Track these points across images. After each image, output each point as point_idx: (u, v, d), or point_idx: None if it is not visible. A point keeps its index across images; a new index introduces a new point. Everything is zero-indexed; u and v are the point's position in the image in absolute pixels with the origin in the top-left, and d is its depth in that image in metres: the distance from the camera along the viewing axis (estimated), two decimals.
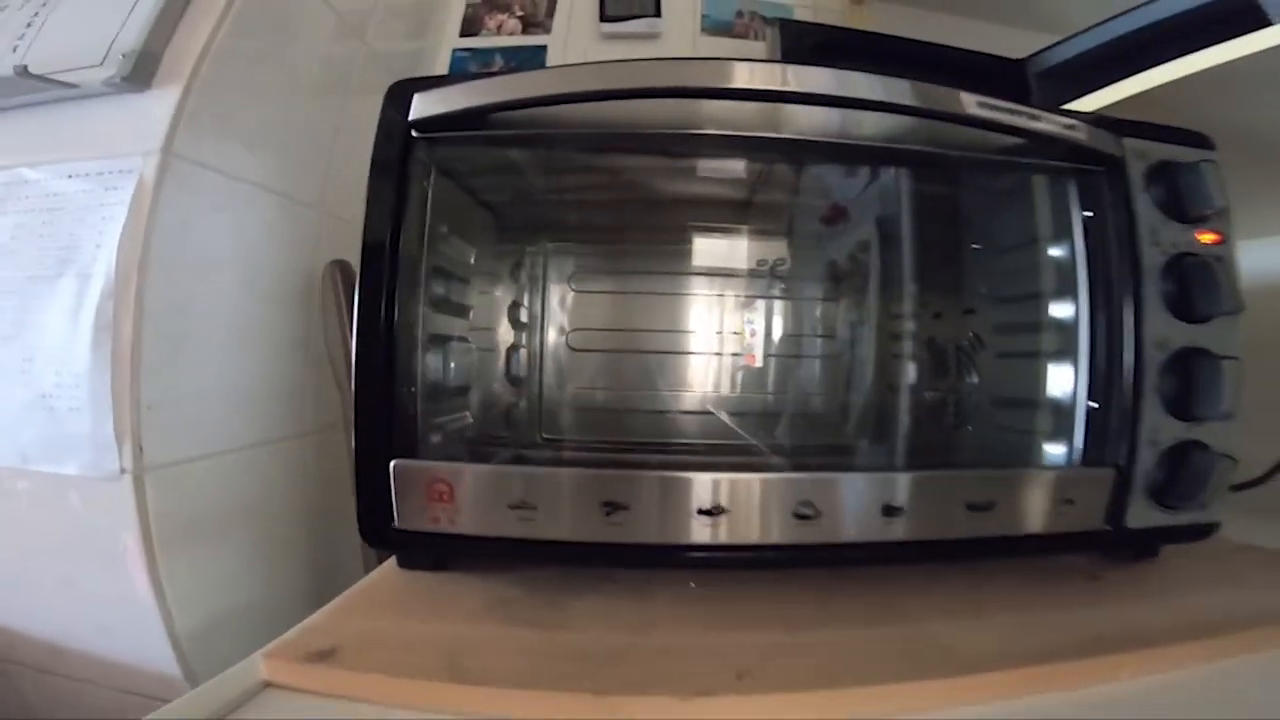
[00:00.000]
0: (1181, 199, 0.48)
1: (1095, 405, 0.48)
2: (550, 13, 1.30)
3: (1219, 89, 0.57)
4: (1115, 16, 0.76)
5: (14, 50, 0.71)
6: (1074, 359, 0.49)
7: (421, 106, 0.46)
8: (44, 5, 0.74)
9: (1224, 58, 0.54)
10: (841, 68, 0.60)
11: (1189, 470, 0.46)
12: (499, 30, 1.29)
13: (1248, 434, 0.48)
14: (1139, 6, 0.73)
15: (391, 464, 0.43)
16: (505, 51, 1.27)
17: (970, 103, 0.43)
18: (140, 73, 0.66)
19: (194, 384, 0.68)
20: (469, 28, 1.31)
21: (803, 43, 1.04)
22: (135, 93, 0.67)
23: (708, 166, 0.71)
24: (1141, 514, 0.48)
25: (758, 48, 1.20)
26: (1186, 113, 0.56)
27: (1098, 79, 0.65)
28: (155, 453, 0.62)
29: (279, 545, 0.79)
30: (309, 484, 0.82)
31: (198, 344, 0.69)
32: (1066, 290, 0.51)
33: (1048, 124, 0.45)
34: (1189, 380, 0.46)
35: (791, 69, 0.44)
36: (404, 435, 0.45)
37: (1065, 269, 0.51)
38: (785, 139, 0.50)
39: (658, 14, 1.26)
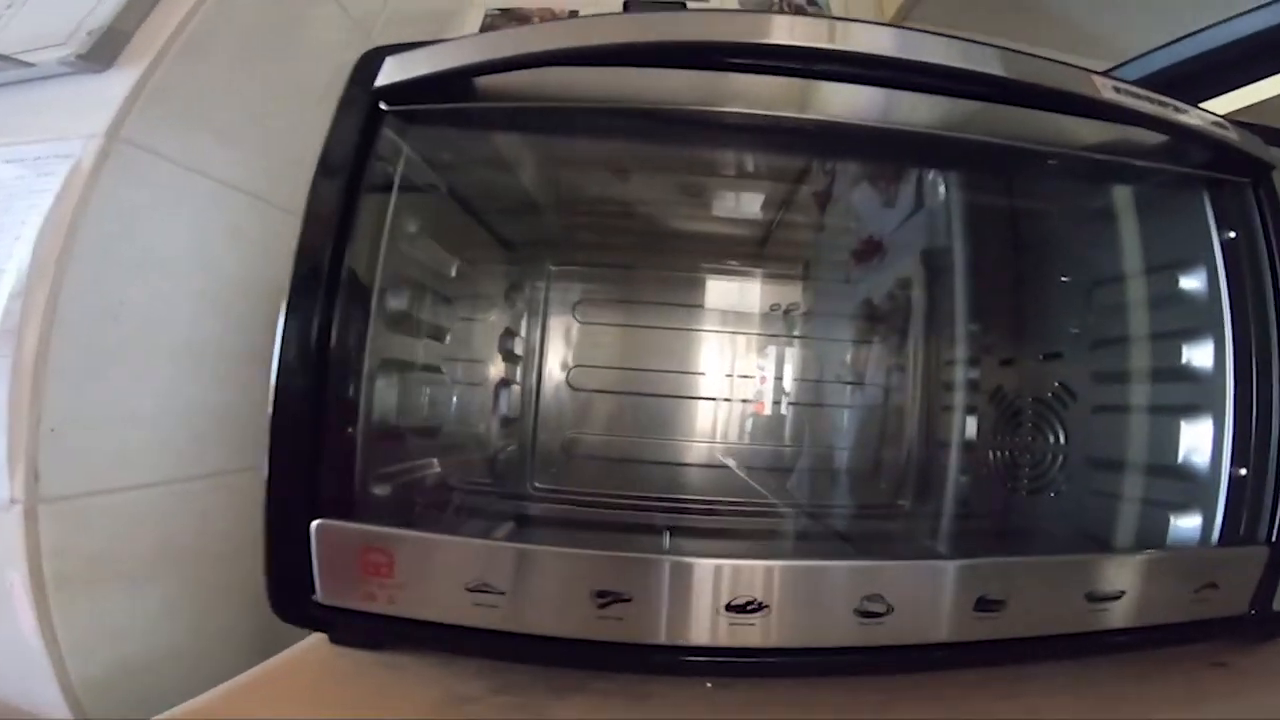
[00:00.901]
0: None
1: (1242, 472, 0.37)
2: None
3: None
4: (1183, 37, 0.69)
5: None
6: (1212, 414, 0.40)
7: (393, 70, 0.37)
8: None
9: None
10: None
11: None
12: None
13: None
14: (1198, 31, 0.66)
15: (313, 525, 0.33)
16: None
17: (1103, 86, 0.33)
18: (101, 51, 0.60)
19: (120, 405, 0.58)
20: None
21: None
22: (94, 73, 0.60)
23: (732, 184, 0.63)
24: None
25: None
26: None
27: None
28: (56, 482, 0.52)
29: (215, 590, 0.69)
30: (257, 524, 0.72)
31: (130, 358, 0.59)
32: (1199, 329, 0.41)
33: (1192, 118, 0.35)
34: None
35: (843, 26, 0.35)
36: (335, 487, 0.35)
37: (1198, 303, 0.41)
38: (823, 122, 0.40)
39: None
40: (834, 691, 0.37)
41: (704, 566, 0.33)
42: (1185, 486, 0.43)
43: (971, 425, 0.64)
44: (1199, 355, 0.42)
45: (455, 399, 0.57)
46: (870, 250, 0.72)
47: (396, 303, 0.42)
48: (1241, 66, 0.55)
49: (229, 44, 0.68)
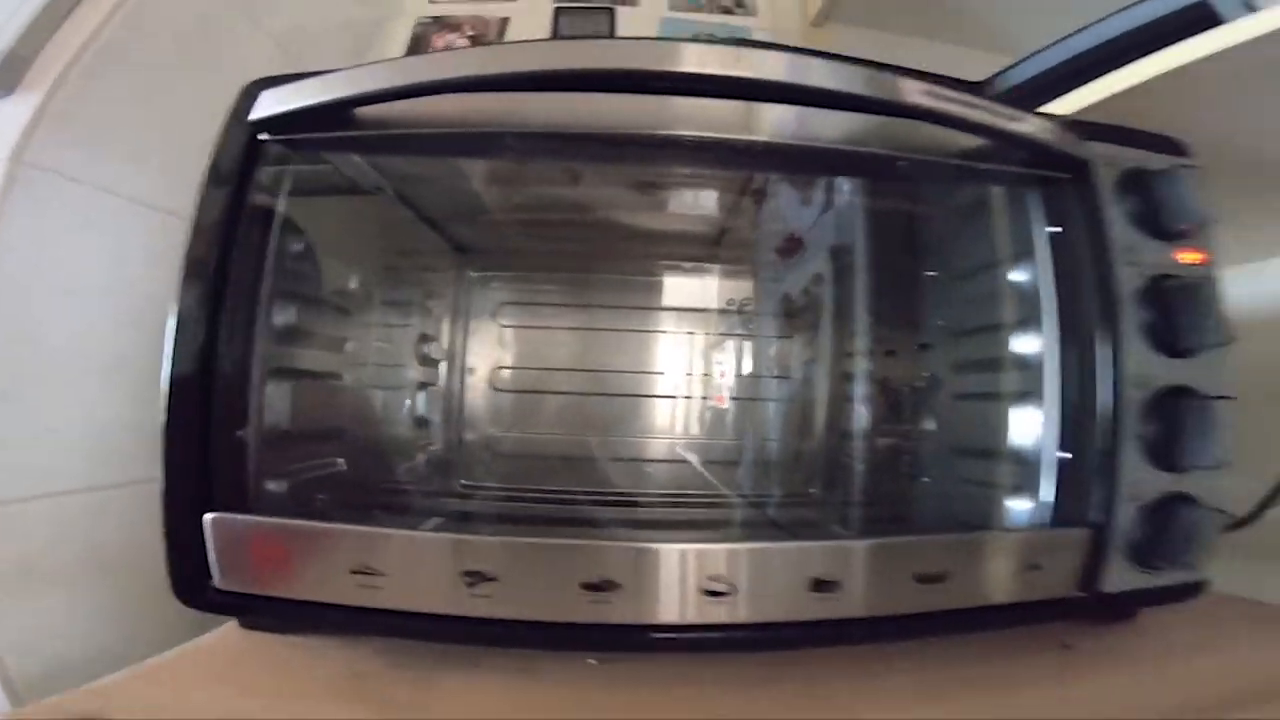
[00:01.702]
0: (1159, 212, 0.43)
1: (1068, 456, 0.42)
2: (501, 34, 1.29)
3: (1177, 96, 0.52)
4: (1074, 34, 0.75)
5: None
6: (1041, 402, 0.43)
7: (268, 104, 0.41)
8: None
9: (1180, 60, 0.49)
10: None
11: (1175, 528, 0.40)
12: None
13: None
14: (1097, 22, 0.72)
15: (206, 518, 0.36)
16: None
17: (913, 90, 0.37)
18: (4, 77, 0.63)
19: (41, 421, 0.61)
20: (416, 46, 1.29)
21: None
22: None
23: (636, 194, 0.67)
24: (1120, 577, 0.42)
25: None
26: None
27: (1056, 97, 0.63)
28: None
29: (145, 593, 0.70)
30: None
31: (50, 378, 0.62)
32: (1031, 321, 0.45)
33: (1000, 119, 0.40)
34: (1174, 425, 0.40)
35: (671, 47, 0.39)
36: (228, 486, 0.38)
37: (1029, 296, 0.45)
38: (694, 138, 0.44)
39: (611, 37, 1.23)
40: (699, 672, 0.42)
41: (565, 546, 0.36)
42: (1021, 470, 0.46)
43: (865, 415, 0.68)
44: (1028, 344, 0.46)
45: (364, 403, 0.60)
46: (792, 247, 0.76)
47: (284, 317, 0.45)
48: (1108, 63, 0.59)
49: (138, 63, 0.70)
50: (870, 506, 0.65)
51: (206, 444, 0.37)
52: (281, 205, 0.41)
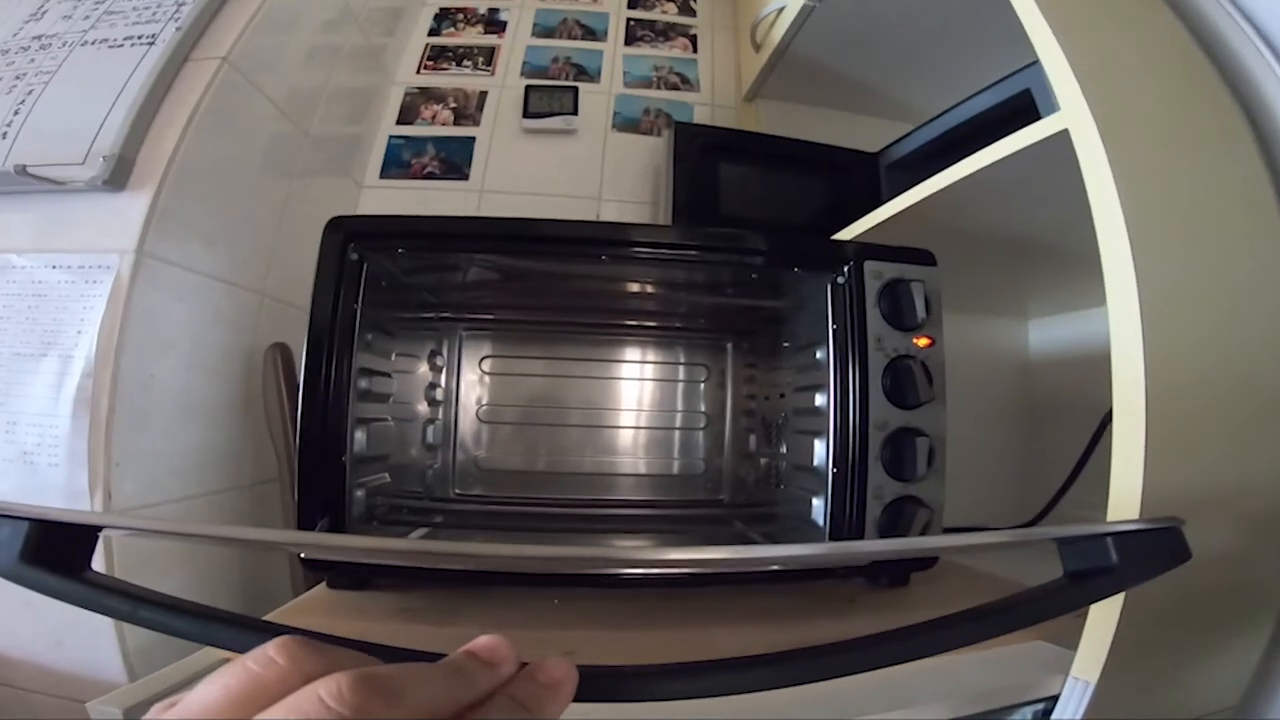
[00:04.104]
0: (900, 312, 0.67)
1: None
2: (480, 106, 1.53)
3: (987, 191, 0.72)
4: (941, 114, 0.91)
5: (3, 136, 0.87)
6: (826, 437, 0.70)
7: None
8: (30, 93, 0.89)
9: (981, 164, 0.67)
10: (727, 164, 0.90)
11: (903, 518, 0.67)
12: (433, 120, 1.52)
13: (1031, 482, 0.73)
14: (958, 105, 0.87)
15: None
16: (437, 140, 1.49)
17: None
18: (118, 176, 0.83)
19: (153, 445, 0.85)
20: (406, 115, 1.53)
21: (694, 144, 1.27)
22: (112, 193, 0.83)
23: (596, 281, 0.93)
24: None
25: (659, 144, 1.46)
26: (971, 213, 0.77)
27: (931, 170, 0.76)
28: (120, 500, 0.79)
29: (216, 580, 0.96)
30: None
31: (156, 412, 0.86)
32: (824, 384, 0.71)
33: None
34: (900, 451, 0.68)
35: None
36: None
37: (824, 367, 0.71)
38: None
39: (575, 112, 1.50)
40: (617, 605, 0.69)
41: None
42: (816, 479, 0.74)
43: (753, 441, 0.98)
44: (821, 399, 0.73)
45: (398, 435, 0.86)
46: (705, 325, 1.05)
47: (364, 383, 0.72)
48: (980, 137, 0.71)
49: (204, 160, 0.90)
50: (757, 508, 0.94)
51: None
52: (358, 303, 0.66)
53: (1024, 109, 0.73)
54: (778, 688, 0.30)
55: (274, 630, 0.26)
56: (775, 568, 0.67)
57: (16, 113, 0.89)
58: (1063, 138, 0.57)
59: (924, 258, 0.73)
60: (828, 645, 0.31)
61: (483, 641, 0.27)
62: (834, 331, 0.70)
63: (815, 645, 0.30)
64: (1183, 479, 0.50)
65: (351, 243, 0.66)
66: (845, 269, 0.70)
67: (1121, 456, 0.50)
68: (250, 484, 1.01)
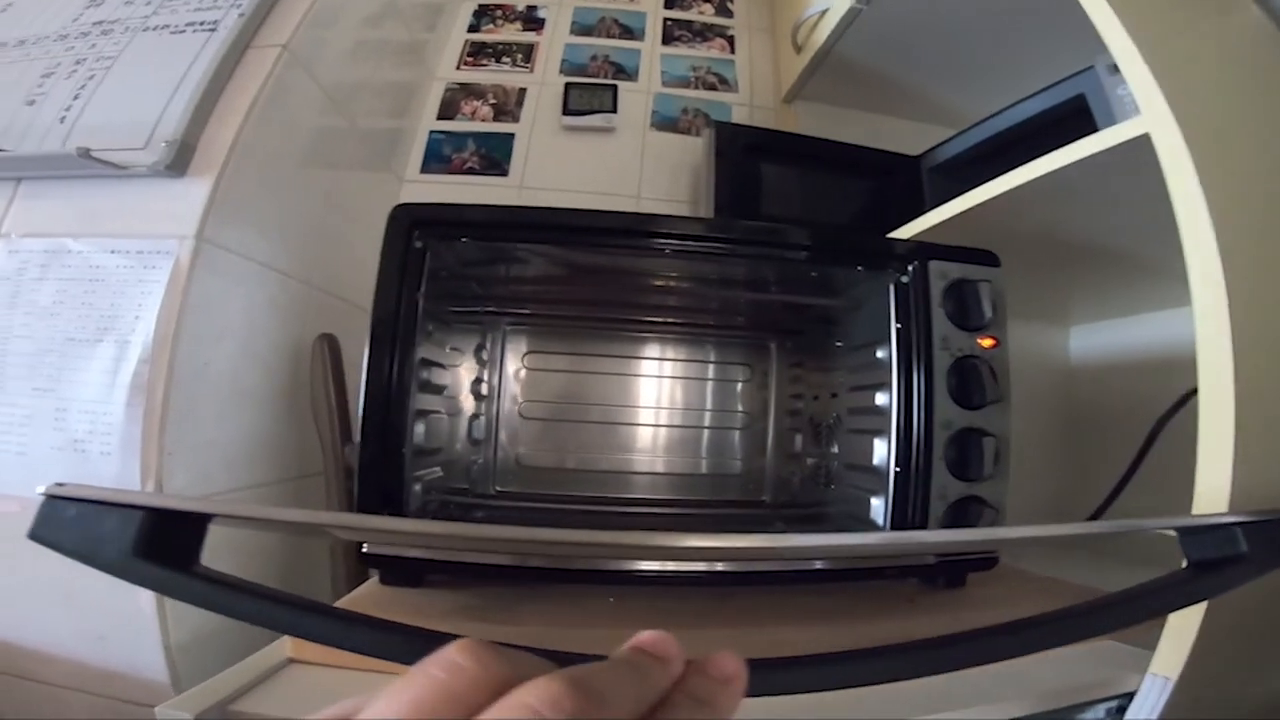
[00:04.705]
0: (966, 312, 0.68)
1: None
2: (520, 103, 1.54)
3: (1050, 195, 0.73)
4: (989, 117, 0.91)
5: (61, 121, 0.86)
6: (886, 435, 0.70)
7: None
8: (91, 78, 0.89)
9: (1052, 166, 0.67)
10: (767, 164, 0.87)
11: (968, 517, 0.67)
12: (473, 116, 1.53)
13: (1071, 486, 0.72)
14: (1007, 109, 0.88)
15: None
16: (477, 136, 1.50)
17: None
18: (179, 161, 0.82)
19: (204, 434, 0.85)
20: (446, 111, 1.54)
21: (736, 143, 1.26)
22: (173, 178, 0.83)
23: (641, 279, 0.93)
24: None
25: (697, 143, 1.46)
26: (1030, 216, 0.77)
27: (977, 175, 0.77)
28: (172, 488, 0.78)
29: (257, 573, 0.96)
30: None
31: (209, 401, 0.86)
32: (885, 383, 0.72)
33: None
34: (965, 451, 0.67)
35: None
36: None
37: (885, 367, 0.71)
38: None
39: (614, 110, 1.51)
40: (676, 604, 0.69)
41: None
42: (876, 479, 0.72)
43: (799, 441, 0.98)
44: (882, 398, 0.72)
45: (449, 429, 0.86)
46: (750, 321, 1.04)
47: (425, 375, 0.72)
48: (1031, 141, 0.74)
49: (260, 149, 0.90)
50: (801, 508, 0.94)
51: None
52: (420, 291, 0.66)
53: (1076, 114, 0.74)
54: (939, 673, 0.29)
55: (428, 636, 0.25)
56: (841, 565, 0.68)
57: (76, 98, 0.88)
58: (1142, 141, 0.57)
59: (988, 259, 0.73)
60: (978, 631, 0.30)
61: (649, 637, 0.26)
62: (897, 330, 0.70)
63: (962, 633, 0.30)
64: (1270, 474, 0.50)
65: (416, 230, 0.66)
66: (909, 268, 0.70)
67: (1208, 451, 0.50)
68: (295, 477, 1.01)
